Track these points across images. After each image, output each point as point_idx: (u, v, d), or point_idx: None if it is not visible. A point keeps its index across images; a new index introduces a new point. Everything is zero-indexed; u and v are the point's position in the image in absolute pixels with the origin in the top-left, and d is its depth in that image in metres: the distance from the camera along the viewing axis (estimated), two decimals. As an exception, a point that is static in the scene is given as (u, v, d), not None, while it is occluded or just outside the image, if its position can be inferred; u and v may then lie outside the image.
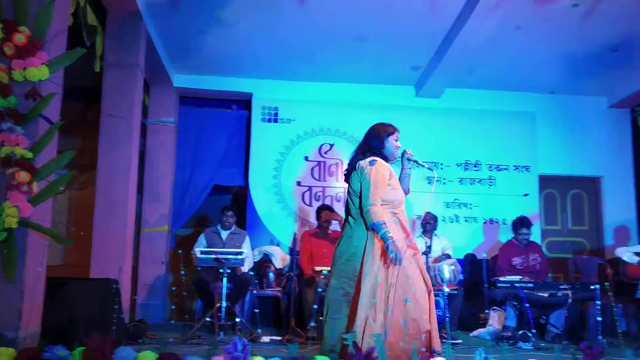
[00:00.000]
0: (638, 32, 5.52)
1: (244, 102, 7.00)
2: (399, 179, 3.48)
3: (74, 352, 2.31)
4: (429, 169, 3.54)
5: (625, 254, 5.55)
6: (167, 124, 6.56)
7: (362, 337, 2.99)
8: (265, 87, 6.82)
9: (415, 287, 3.15)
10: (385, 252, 3.11)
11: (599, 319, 4.65)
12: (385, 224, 3.13)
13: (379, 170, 3.26)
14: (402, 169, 3.53)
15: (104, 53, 4.95)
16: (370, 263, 3.13)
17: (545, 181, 7.08)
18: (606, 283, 4.46)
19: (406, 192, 3.50)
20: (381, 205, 3.21)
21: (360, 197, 3.27)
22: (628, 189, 7.11)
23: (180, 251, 5.81)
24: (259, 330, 4.90)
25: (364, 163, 3.33)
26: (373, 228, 3.15)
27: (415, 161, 3.51)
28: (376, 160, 3.32)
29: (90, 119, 5.30)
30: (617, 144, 7.16)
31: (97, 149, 4.92)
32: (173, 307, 5.94)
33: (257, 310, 5.31)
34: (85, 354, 2.26)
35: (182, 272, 4.97)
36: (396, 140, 3.45)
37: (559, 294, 4.96)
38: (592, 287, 4.84)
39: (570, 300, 4.95)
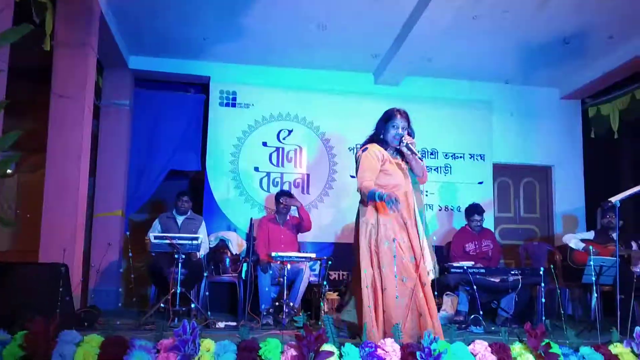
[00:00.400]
0: (588, 25, 5.68)
1: (202, 86, 6.89)
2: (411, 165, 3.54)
3: (16, 336, 2.24)
4: (420, 158, 3.51)
5: (572, 240, 5.73)
6: (121, 106, 6.41)
7: (372, 323, 3.13)
8: (224, 71, 6.73)
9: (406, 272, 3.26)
10: (372, 241, 3.30)
11: (543, 300, 4.80)
12: (377, 188, 3.27)
13: (368, 156, 3.42)
14: (404, 154, 3.55)
15: (55, 31, 4.77)
16: (363, 256, 3.30)
17: (499, 169, 7.23)
18: (552, 266, 4.60)
19: (419, 175, 3.55)
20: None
21: None
22: (577, 179, 7.34)
23: (127, 232, 5.72)
24: (209, 313, 4.89)
25: (359, 151, 3.52)
26: (370, 199, 3.28)
27: (410, 149, 3.46)
28: (368, 147, 3.48)
29: (40, 100, 5.12)
30: (568, 135, 7.37)
31: (47, 131, 4.78)
32: (120, 289, 5.85)
33: (207, 293, 5.29)
34: (27, 338, 2.20)
35: (130, 255, 4.89)
36: (393, 126, 3.48)
37: (510, 279, 5.09)
38: (540, 272, 5.01)
39: (520, 285, 5.09)
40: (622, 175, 7.17)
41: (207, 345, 2.32)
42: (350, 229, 6.60)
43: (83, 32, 4.86)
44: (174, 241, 4.86)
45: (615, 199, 4.07)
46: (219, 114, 6.68)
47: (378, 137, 3.53)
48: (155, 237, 4.94)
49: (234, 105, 6.72)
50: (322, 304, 5.39)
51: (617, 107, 6.83)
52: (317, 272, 6.16)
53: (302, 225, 5.76)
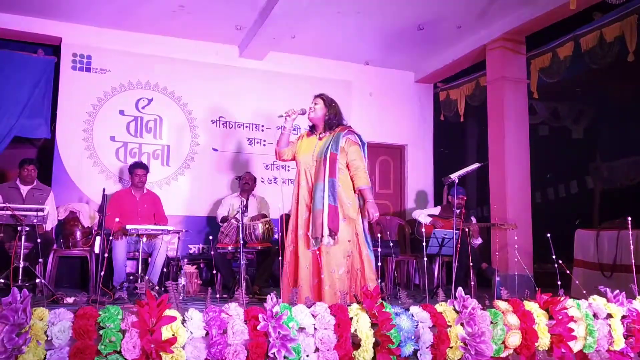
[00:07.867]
0: (440, 14, 6.07)
1: (52, 47, 6.40)
2: None
3: None
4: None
5: (420, 215, 6.17)
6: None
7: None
8: (78, 33, 6.29)
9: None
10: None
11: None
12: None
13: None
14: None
15: None
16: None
17: (357, 147, 7.54)
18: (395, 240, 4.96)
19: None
20: None
21: None
22: (428, 158, 7.89)
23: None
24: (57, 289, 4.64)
25: None
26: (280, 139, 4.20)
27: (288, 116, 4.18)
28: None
29: None
30: (421, 116, 7.89)
31: None
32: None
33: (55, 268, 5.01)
34: None
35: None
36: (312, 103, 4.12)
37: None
38: (390, 244, 5.36)
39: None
40: (467, 155, 7.84)
41: (40, 313, 2.21)
42: (210, 202, 6.58)
43: None
44: (16, 212, 4.53)
45: (454, 176, 4.43)
46: (71, 78, 6.25)
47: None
48: (-6, 208, 4.57)
49: (88, 70, 6.32)
50: (179, 277, 5.34)
51: (463, 93, 7.40)
52: (175, 245, 6.04)
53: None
